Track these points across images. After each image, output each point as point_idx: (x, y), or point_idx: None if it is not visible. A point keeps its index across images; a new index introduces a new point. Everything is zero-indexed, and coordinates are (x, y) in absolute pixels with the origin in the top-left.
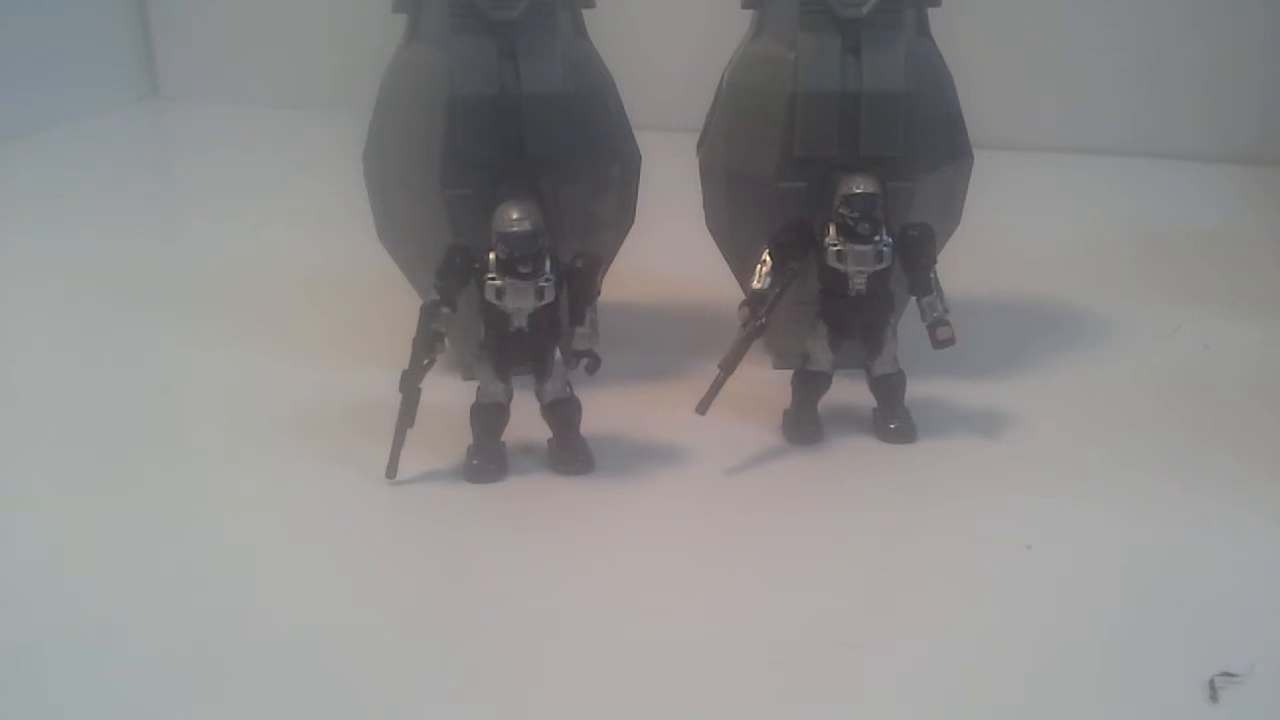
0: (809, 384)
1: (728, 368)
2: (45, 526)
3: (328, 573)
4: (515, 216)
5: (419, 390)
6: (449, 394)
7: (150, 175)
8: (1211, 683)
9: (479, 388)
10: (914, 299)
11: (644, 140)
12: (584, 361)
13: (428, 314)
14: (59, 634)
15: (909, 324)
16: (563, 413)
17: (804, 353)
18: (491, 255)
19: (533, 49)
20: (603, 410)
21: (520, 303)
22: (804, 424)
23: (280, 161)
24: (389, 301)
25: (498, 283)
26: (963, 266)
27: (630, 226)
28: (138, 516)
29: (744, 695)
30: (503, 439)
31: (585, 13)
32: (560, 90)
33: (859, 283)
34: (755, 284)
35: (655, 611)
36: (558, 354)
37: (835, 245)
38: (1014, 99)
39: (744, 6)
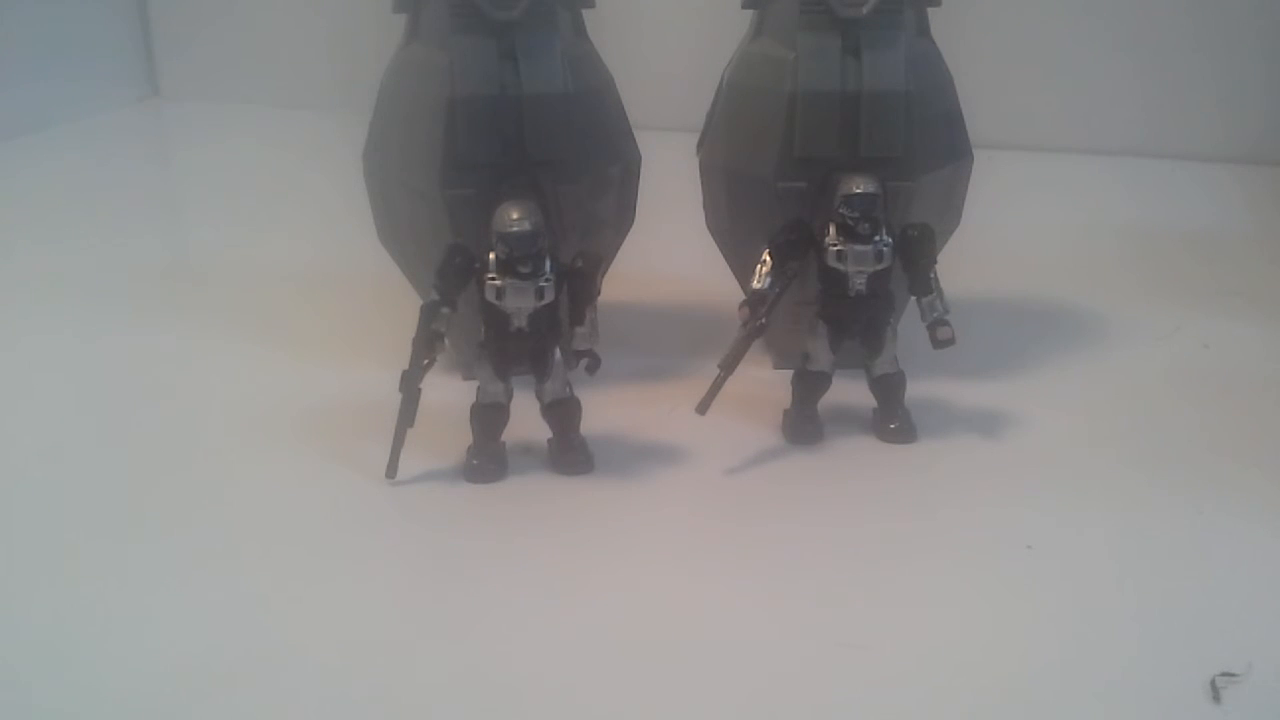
0: (809, 384)
1: (728, 368)
2: (45, 526)
3: (327, 573)
4: (515, 216)
5: (419, 390)
6: (449, 394)
7: (150, 175)
8: (1213, 682)
9: (479, 388)
10: (914, 299)
11: (644, 140)
12: (584, 361)
13: (428, 314)
14: (58, 634)
15: (909, 324)
16: (563, 413)
17: (804, 353)
18: (491, 255)
19: (533, 49)
20: (603, 410)
21: (520, 303)
22: (804, 424)
23: (280, 161)
24: (389, 301)
25: (498, 283)
26: (963, 266)
27: (630, 226)
28: (136, 516)
29: (745, 695)
30: (503, 439)
31: (585, 13)
32: (560, 90)
33: (859, 283)
34: (755, 284)
35: (655, 611)
36: (558, 354)
37: (835, 245)
38: (1014, 99)
39: (744, 6)
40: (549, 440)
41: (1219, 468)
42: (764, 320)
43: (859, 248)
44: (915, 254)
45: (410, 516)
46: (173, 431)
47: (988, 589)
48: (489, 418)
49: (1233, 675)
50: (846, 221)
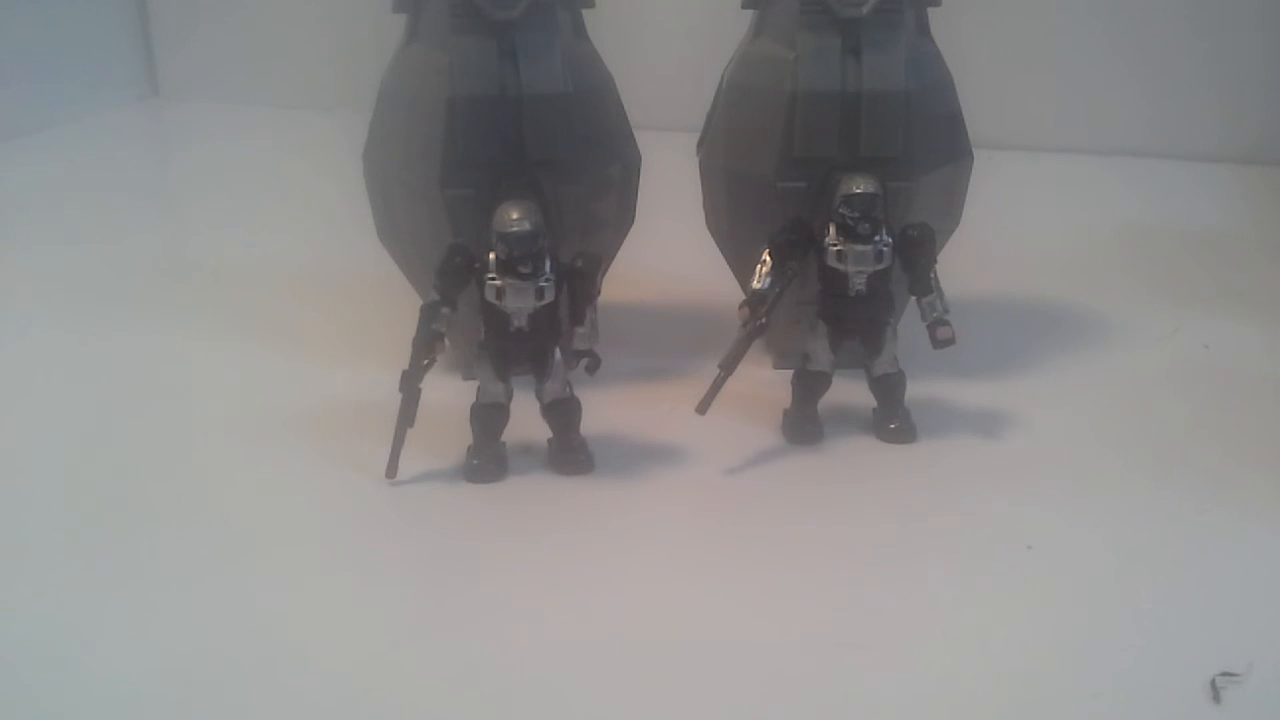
0: (809, 384)
1: (728, 368)
2: (45, 525)
3: (327, 573)
4: (515, 216)
5: (419, 390)
6: (449, 394)
7: (150, 175)
8: (1214, 683)
9: (479, 388)
10: (914, 299)
11: (644, 140)
12: (584, 361)
13: (428, 314)
14: (58, 634)
15: (909, 324)
16: (563, 413)
17: (804, 353)
18: (491, 255)
19: (533, 49)
20: (603, 410)
21: (520, 303)
22: (804, 424)
23: (280, 161)
24: (389, 301)
25: (498, 283)
26: (963, 266)
27: (630, 226)
28: (136, 515)
29: (745, 694)
30: (503, 439)
31: (585, 13)
32: (560, 90)
33: (859, 283)
34: (755, 284)
35: (655, 611)
36: (558, 354)
37: (835, 245)
38: (1014, 99)
39: (744, 6)
40: (549, 440)
41: (1219, 468)
42: (764, 320)
43: (859, 248)
44: (915, 254)
45: (410, 516)
46: (172, 431)
47: (988, 589)
48: (489, 418)
49: (1233, 675)
50: (846, 221)
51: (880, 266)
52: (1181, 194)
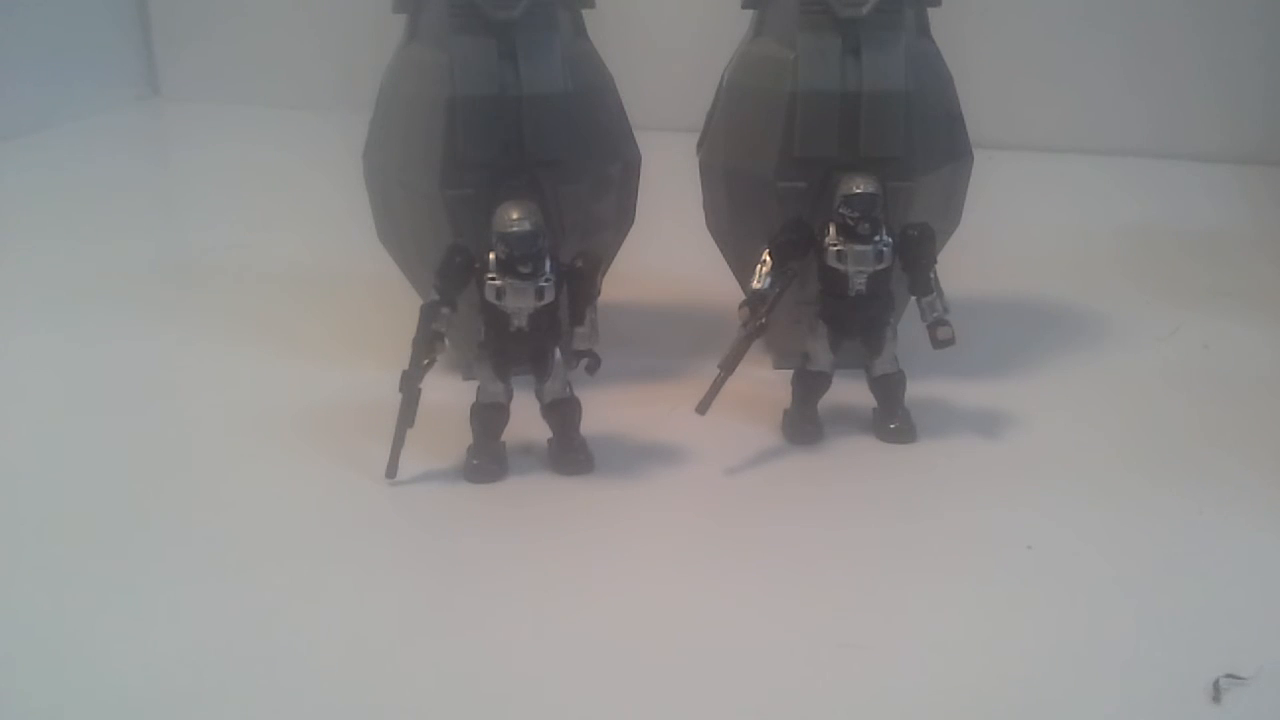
0: (809, 384)
1: (728, 368)
2: (43, 527)
3: (327, 573)
4: (515, 216)
5: (419, 390)
6: (449, 394)
7: (150, 175)
8: (1216, 684)
9: (479, 388)
10: (914, 299)
11: (644, 140)
12: (584, 361)
13: (428, 314)
14: (58, 636)
15: (909, 324)
16: (563, 413)
17: (804, 353)
18: (491, 255)
19: (533, 49)
20: (603, 410)
21: (520, 303)
22: (804, 424)
23: (280, 161)
24: (389, 301)
25: (498, 283)
26: (963, 266)
27: (630, 226)
28: (136, 516)
29: (745, 696)
30: (503, 439)
31: (585, 13)
32: (560, 90)
33: (859, 283)
34: (755, 284)
35: (656, 611)
36: (558, 354)
37: (835, 245)
38: (1014, 99)
39: (744, 6)
40: (549, 440)
41: (1219, 468)
42: (764, 320)
43: (859, 248)
44: (915, 254)
45: (410, 516)
46: (172, 432)
47: (988, 589)
48: (489, 418)
49: (1236, 677)
50: (846, 221)
51: (880, 266)
52: (1181, 194)
